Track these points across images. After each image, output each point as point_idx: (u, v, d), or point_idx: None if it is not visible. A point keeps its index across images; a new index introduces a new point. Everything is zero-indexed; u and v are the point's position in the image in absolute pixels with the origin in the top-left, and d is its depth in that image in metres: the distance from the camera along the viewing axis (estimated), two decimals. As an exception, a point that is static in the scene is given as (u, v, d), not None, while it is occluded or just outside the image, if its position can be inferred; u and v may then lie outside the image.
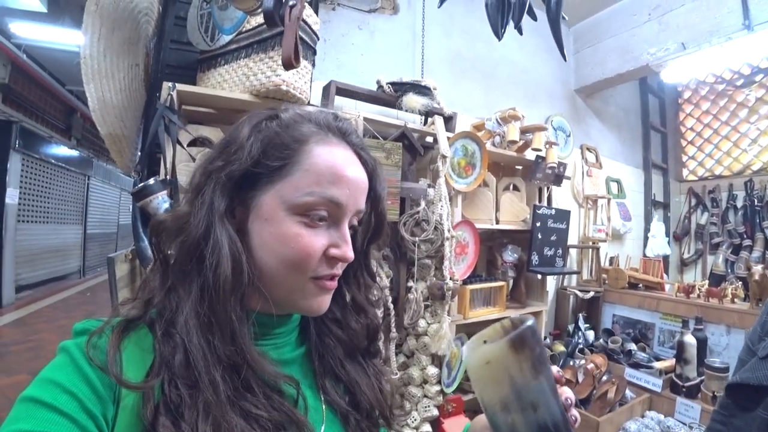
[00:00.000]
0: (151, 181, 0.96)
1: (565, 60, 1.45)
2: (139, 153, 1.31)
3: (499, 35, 1.24)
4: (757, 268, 1.74)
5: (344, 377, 0.50)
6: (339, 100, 1.51)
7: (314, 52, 1.27)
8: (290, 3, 0.78)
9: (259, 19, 1.21)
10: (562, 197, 2.33)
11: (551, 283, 2.28)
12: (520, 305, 1.74)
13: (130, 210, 1.03)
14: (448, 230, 1.34)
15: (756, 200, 2.69)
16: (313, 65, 1.28)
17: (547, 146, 1.70)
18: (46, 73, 5.08)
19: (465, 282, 1.55)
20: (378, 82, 1.58)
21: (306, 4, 1.21)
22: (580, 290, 2.24)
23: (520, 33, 1.44)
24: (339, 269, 0.45)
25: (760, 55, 2.44)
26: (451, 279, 1.30)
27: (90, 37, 1.08)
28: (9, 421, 0.30)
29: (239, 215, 0.42)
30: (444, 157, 1.39)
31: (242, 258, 0.39)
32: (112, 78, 1.17)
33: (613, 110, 2.85)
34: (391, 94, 1.54)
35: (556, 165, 1.70)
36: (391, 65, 1.92)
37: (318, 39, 1.29)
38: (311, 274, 0.42)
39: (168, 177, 1.03)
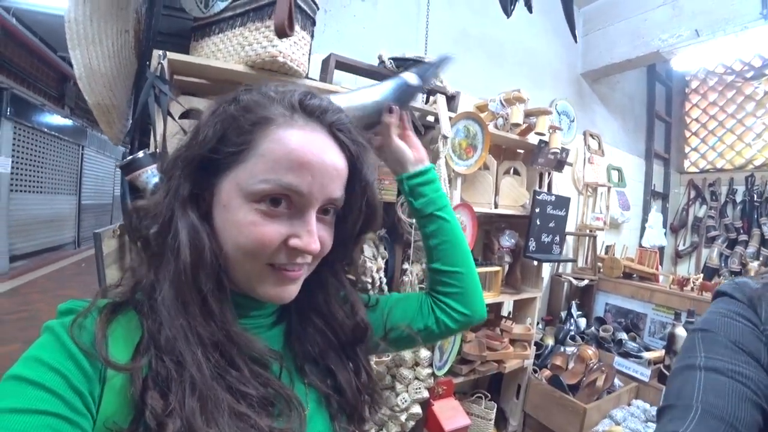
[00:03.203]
0: (140, 154, 0.93)
1: (576, 41, 1.40)
2: (130, 124, 1.26)
3: (508, 12, 1.19)
4: (753, 265, 1.74)
5: (323, 364, 0.50)
6: (338, 75, 1.45)
7: (313, 23, 1.21)
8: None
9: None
10: (562, 183, 2.29)
11: (546, 269, 2.28)
12: (514, 291, 1.74)
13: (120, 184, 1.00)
14: (446, 214, 1.32)
15: (756, 196, 2.68)
16: (312, 36, 1.22)
17: (551, 131, 1.66)
18: (38, 38, 4.90)
19: (460, 267, 1.54)
20: (380, 57, 1.52)
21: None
22: (574, 277, 2.25)
23: (530, 11, 1.38)
24: (305, 259, 0.42)
25: (773, 45, 2.37)
26: (446, 263, 1.28)
27: (75, -1, 1.02)
28: None
29: (207, 200, 0.41)
30: (445, 137, 1.35)
31: (204, 245, 0.38)
32: (100, 44, 1.11)
33: (618, 97, 2.79)
34: (393, 70, 1.48)
35: (558, 150, 1.66)
36: (393, 39, 1.85)
37: (317, 8, 1.22)
38: (267, 260, 0.40)
39: (158, 150, 0.99)
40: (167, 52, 1.02)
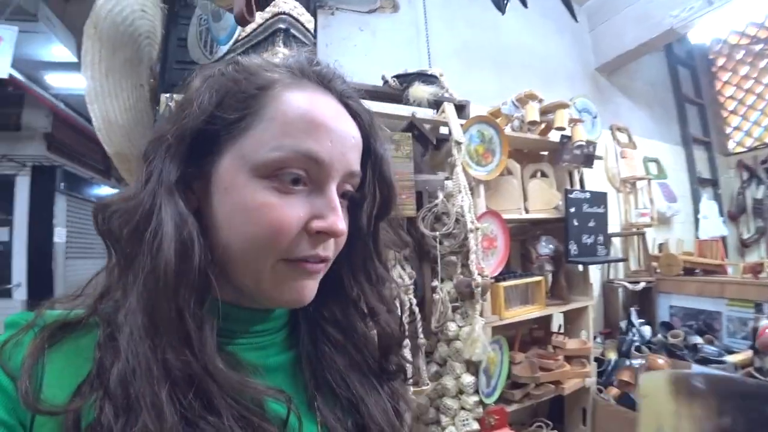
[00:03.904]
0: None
1: (576, 21, 1.34)
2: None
3: (502, 8, 1.15)
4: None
5: (344, 393, 0.39)
6: None
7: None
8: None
9: (253, 24, 1.21)
10: (596, 182, 2.15)
11: (595, 275, 2.08)
12: (562, 301, 1.58)
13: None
14: (472, 222, 1.24)
15: (819, 165, 2.40)
16: (312, 63, 1.24)
17: (572, 124, 1.56)
18: (83, 119, 5.46)
19: (497, 279, 1.42)
20: (383, 77, 1.52)
21: (296, 2, 1.18)
22: (629, 282, 2.03)
23: (525, 5, 1.35)
24: (327, 250, 0.35)
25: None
26: (479, 275, 1.18)
27: (91, 59, 1.09)
28: None
29: (199, 190, 0.34)
30: (458, 143, 1.30)
31: (193, 238, 0.31)
32: (116, 98, 1.17)
33: (640, 86, 2.65)
34: (397, 88, 1.47)
35: (584, 143, 1.55)
36: (396, 63, 1.85)
37: (315, 37, 1.25)
38: (283, 255, 0.32)
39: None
40: (174, 94, 1.06)
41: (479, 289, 1.14)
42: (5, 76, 1.99)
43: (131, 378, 0.27)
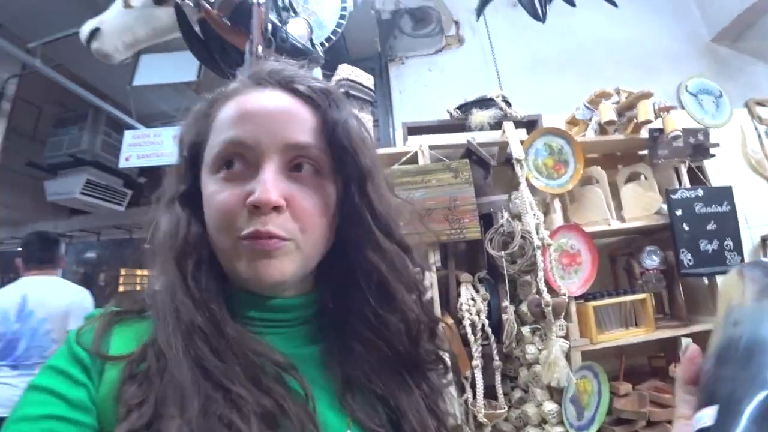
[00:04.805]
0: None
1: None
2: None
3: (541, 17, 1.16)
4: None
5: (377, 390, 0.39)
6: (416, 139, 1.49)
7: (371, 104, 1.42)
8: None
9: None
10: (728, 175, 1.75)
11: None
12: (680, 322, 1.34)
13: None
14: (540, 239, 1.20)
15: None
16: (373, 115, 1.43)
17: (662, 114, 1.36)
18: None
19: (587, 298, 1.31)
20: (447, 111, 1.61)
21: (354, 67, 1.40)
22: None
23: (614, 4, 1.28)
24: (267, 225, 0.34)
25: None
26: (550, 293, 1.13)
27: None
28: (14, 409, 0.32)
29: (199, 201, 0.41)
30: (518, 160, 1.29)
31: (180, 221, 0.38)
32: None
33: (786, 44, 2.09)
34: (461, 118, 1.54)
35: (679, 133, 1.33)
36: (467, 92, 1.90)
37: (374, 92, 1.44)
38: (237, 232, 0.35)
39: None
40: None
41: (549, 308, 1.09)
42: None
43: (163, 331, 0.34)
